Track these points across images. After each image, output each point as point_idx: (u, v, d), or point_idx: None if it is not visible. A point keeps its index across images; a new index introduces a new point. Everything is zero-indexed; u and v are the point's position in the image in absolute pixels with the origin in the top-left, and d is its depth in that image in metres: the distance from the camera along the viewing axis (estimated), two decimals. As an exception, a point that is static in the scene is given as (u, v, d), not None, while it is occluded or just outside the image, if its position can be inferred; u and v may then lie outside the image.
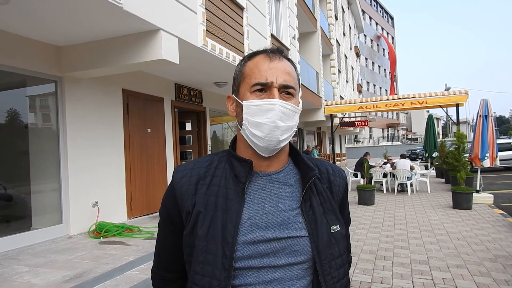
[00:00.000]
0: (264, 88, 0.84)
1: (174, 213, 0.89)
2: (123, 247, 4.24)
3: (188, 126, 8.43)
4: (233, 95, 0.91)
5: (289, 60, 0.89)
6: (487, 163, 8.10)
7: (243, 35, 6.58)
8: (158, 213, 0.99)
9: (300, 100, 10.38)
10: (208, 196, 0.84)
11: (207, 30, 5.24)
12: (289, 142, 0.93)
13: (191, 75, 6.92)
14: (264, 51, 0.87)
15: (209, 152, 8.45)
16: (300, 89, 0.93)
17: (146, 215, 6.21)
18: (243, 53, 6.50)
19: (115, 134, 5.68)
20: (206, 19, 5.23)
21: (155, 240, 1.00)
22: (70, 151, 4.87)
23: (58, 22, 3.96)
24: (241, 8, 6.53)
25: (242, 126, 0.86)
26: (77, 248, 4.20)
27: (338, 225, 0.88)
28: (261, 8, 7.80)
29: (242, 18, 6.57)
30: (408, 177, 10.14)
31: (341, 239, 0.88)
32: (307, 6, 13.55)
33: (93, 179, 5.19)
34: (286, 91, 0.84)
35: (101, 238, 4.62)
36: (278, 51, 0.88)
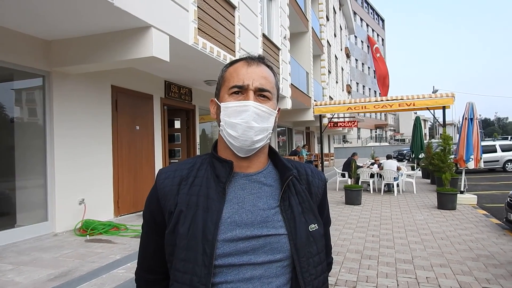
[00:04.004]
0: (240, 91, 0.88)
1: (157, 214, 0.90)
2: (110, 245, 4.21)
3: (177, 124, 8.40)
4: (215, 99, 0.96)
5: (269, 66, 0.94)
6: (471, 165, 8.29)
7: (234, 34, 6.57)
8: (144, 213, 1.00)
9: (290, 100, 10.43)
10: (190, 196, 0.86)
11: (198, 28, 5.22)
12: (269, 144, 0.96)
13: (181, 73, 6.88)
14: (244, 58, 0.92)
15: (197, 151, 8.43)
16: (279, 93, 0.97)
17: (133, 213, 6.17)
18: (234, 52, 6.50)
19: (103, 130, 5.61)
20: (198, 17, 5.22)
21: None
22: (57, 147, 4.80)
23: (47, 16, 3.90)
24: (233, 7, 6.52)
25: (220, 127, 0.91)
26: (62, 246, 4.15)
27: (316, 224, 0.91)
28: (253, 7, 7.80)
29: (234, 17, 6.57)
30: (394, 178, 10.30)
31: (319, 238, 0.91)
32: (299, 6, 13.57)
33: (80, 176, 5.13)
34: (262, 94, 0.89)
35: (87, 236, 4.58)
36: (258, 58, 0.93)
